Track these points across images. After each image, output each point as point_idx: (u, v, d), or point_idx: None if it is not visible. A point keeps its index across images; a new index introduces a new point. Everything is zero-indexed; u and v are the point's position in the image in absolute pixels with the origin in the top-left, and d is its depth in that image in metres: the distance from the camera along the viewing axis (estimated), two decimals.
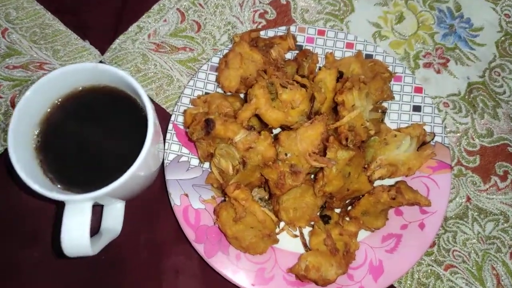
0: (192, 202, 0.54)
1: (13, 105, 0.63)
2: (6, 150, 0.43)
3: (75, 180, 0.47)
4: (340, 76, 0.54)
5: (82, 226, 0.42)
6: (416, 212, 0.54)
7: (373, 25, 0.69)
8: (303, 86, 0.50)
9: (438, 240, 0.58)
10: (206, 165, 0.56)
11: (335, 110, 0.52)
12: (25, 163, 0.44)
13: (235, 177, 0.51)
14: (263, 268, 0.52)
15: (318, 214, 0.53)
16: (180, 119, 0.58)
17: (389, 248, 0.53)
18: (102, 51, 0.66)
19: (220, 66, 0.58)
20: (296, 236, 0.54)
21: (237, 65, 0.56)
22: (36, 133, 0.48)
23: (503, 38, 0.69)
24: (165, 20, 0.68)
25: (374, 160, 0.53)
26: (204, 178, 0.55)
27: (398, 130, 0.55)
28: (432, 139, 0.56)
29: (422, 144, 0.54)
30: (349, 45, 0.62)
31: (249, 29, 0.68)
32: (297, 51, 0.61)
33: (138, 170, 0.44)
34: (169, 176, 0.55)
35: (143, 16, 0.68)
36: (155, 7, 0.69)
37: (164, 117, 0.61)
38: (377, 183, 0.54)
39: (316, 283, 0.50)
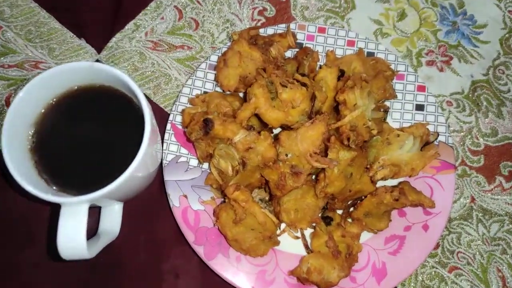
0: (191, 203, 0.54)
1: (8, 104, 0.62)
2: (0, 151, 0.42)
3: (71, 181, 0.46)
4: (341, 74, 0.53)
5: (78, 228, 0.42)
6: (419, 213, 0.54)
7: (374, 22, 0.68)
8: (304, 85, 0.49)
9: (442, 242, 0.57)
10: (205, 165, 0.56)
11: (336, 109, 0.51)
12: (20, 164, 0.43)
13: (235, 178, 0.50)
14: (264, 271, 0.52)
15: (319, 215, 0.53)
16: (179, 118, 0.57)
17: (392, 250, 0.53)
18: (99, 50, 0.66)
19: (218, 65, 0.57)
20: (297, 237, 0.54)
21: (236, 64, 0.55)
22: (31, 133, 0.47)
23: (507, 35, 0.68)
24: (162, 18, 0.67)
25: (377, 161, 0.52)
26: (203, 179, 0.54)
27: (401, 129, 0.54)
28: (436, 138, 0.55)
29: (426, 144, 0.54)
30: (350, 43, 0.61)
31: (248, 26, 0.67)
32: (297, 49, 0.61)
33: (136, 171, 0.43)
34: (167, 177, 0.54)
35: (140, 14, 0.67)
36: (152, 4, 0.68)
37: (162, 116, 0.60)
38: (379, 183, 0.53)
39: (318, 286, 0.50)
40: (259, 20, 0.68)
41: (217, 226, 0.51)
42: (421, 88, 0.59)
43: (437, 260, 0.56)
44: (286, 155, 0.48)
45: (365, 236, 0.53)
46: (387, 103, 0.58)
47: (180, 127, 0.57)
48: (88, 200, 0.42)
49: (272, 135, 0.51)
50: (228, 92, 0.57)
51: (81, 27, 0.66)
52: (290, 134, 0.48)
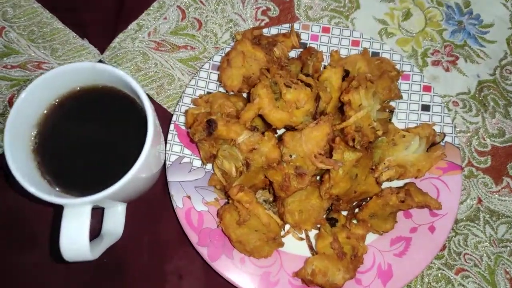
0: (194, 204, 0.53)
1: (11, 105, 0.62)
2: (2, 153, 0.41)
3: (74, 182, 0.46)
4: (346, 74, 0.53)
5: (81, 230, 0.41)
6: (426, 215, 0.53)
7: (379, 22, 0.68)
8: (308, 85, 0.49)
9: (448, 243, 0.57)
10: (209, 166, 0.55)
11: (341, 110, 0.51)
12: (22, 165, 0.43)
13: (239, 179, 0.50)
14: (268, 272, 0.51)
15: (324, 216, 0.52)
16: (182, 119, 0.57)
17: (398, 252, 0.52)
18: (101, 50, 0.66)
19: (222, 65, 0.57)
20: (302, 239, 0.53)
21: (240, 64, 0.55)
22: (34, 134, 0.47)
23: None
24: (165, 18, 0.67)
25: (382, 161, 0.51)
26: (206, 180, 0.54)
27: (407, 130, 0.53)
28: (442, 139, 0.55)
29: (432, 145, 0.53)
30: (355, 43, 0.61)
31: (251, 26, 0.67)
32: (301, 49, 0.60)
33: (139, 172, 0.43)
34: (171, 177, 0.54)
35: (143, 14, 0.67)
36: (155, 4, 0.68)
37: (165, 117, 0.60)
38: (385, 185, 0.53)
39: None
40: (262, 20, 0.67)
41: (220, 227, 0.51)
42: (427, 88, 0.58)
43: (443, 262, 0.56)
44: (290, 156, 0.47)
45: (371, 237, 0.53)
46: (393, 104, 0.58)
47: (183, 127, 0.57)
48: (91, 202, 0.41)
49: (276, 136, 0.51)
50: (232, 93, 0.57)
51: (84, 27, 0.66)
52: (294, 135, 0.48)
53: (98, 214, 0.53)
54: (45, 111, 0.48)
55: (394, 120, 0.57)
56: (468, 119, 0.63)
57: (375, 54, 0.60)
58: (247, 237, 0.49)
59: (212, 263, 0.51)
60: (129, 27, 0.66)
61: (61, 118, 0.47)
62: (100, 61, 0.65)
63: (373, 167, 0.52)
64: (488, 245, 0.57)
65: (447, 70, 0.65)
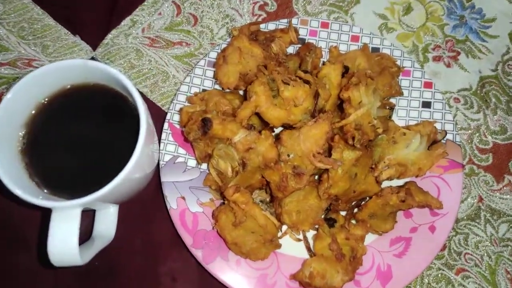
0: (189, 205, 0.53)
1: None
2: None
3: (63, 184, 0.45)
4: (345, 71, 0.52)
5: (70, 234, 0.40)
6: (426, 214, 0.53)
7: (379, 17, 0.67)
8: (306, 82, 0.48)
9: (449, 243, 0.56)
10: (204, 166, 0.55)
11: (340, 107, 0.50)
12: (9, 166, 0.42)
13: (235, 179, 0.49)
14: (265, 274, 0.51)
15: (322, 217, 0.52)
16: (176, 117, 0.56)
17: (397, 252, 0.52)
18: (94, 47, 0.64)
19: (218, 62, 0.56)
20: (299, 240, 0.53)
21: (236, 60, 0.54)
22: (21, 134, 0.46)
23: None
24: (159, 14, 0.66)
25: (382, 160, 0.51)
26: (201, 180, 0.53)
27: (407, 127, 0.53)
28: (444, 137, 0.54)
29: (433, 143, 0.52)
30: (355, 38, 0.60)
31: (248, 22, 0.66)
32: (299, 45, 0.59)
33: (131, 173, 0.42)
34: (164, 178, 0.53)
35: (137, 10, 0.66)
36: None
37: (159, 115, 0.59)
38: (385, 184, 0.52)
39: None
40: (260, 15, 0.66)
41: (216, 229, 0.50)
42: (428, 85, 0.58)
43: (443, 262, 0.55)
44: (288, 155, 0.47)
45: (370, 238, 0.52)
46: (393, 100, 0.57)
47: (178, 126, 0.56)
48: (80, 204, 0.40)
49: (273, 134, 0.50)
50: (228, 90, 0.56)
51: (76, 23, 0.65)
52: (292, 134, 0.47)
53: (89, 215, 0.52)
54: (34, 111, 0.46)
55: (394, 117, 0.56)
56: (469, 116, 0.62)
57: (375, 49, 0.59)
58: (243, 239, 0.49)
59: (207, 266, 0.50)
60: (122, 23, 0.65)
61: (51, 118, 0.46)
62: (93, 58, 0.64)
63: (373, 166, 0.51)
64: (489, 244, 0.56)
65: (448, 66, 0.64)
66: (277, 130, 0.54)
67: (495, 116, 0.62)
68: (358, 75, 0.48)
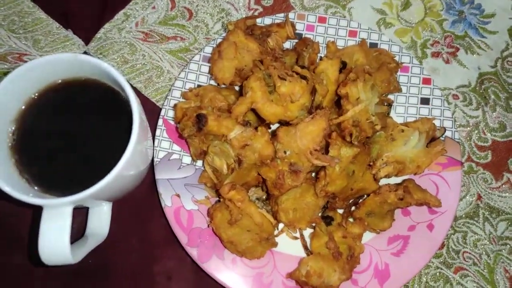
0: (184, 203, 0.52)
1: None
2: None
3: (55, 181, 0.44)
4: (343, 66, 0.52)
5: (61, 232, 0.40)
6: (424, 212, 0.52)
7: (377, 12, 0.66)
8: (303, 77, 0.47)
9: (447, 241, 0.56)
10: (199, 163, 0.54)
11: (338, 103, 0.50)
12: None
13: (230, 176, 0.49)
14: (261, 273, 0.50)
15: (319, 215, 0.51)
16: (171, 113, 0.55)
17: (395, 251, 0.51)
18: (86, 41, 0.63)
19: (213, 57, 0.55)
20: (296, 238, 0.53)
21: (232, 55, 0.53)
22: (11, 130, 0.45)
23: None
24: (153, 7, 0.65)
25: (380, 157, 0.51)
26: (197, 177, 0.53)
27: (406, 124, 0.52)
28: (443, 134, 0.53)
29: (432, 140, 0.52)
30: (352, 33, 0.59)
31: (244, 16, 0.65)
32: (296, 40, 0.59)
33: (124, 170, 0.41)
34: (159, 175, 0.52)
35: (130, 3, 0.65)
36: None
37: (153, 111, 0.58)
38: (383, 181, 0.52)
39: None
40: (256, 10, 0.65)
41: (211, 227, 0.50)
42: (427, 81, 0.57)
43: (442, 260, 0.55)
44: (285, 152, 0.46)
45: (367, 236, 0.52)
46: (391, 97, 0.57)
47: (172, 122, 0.55)
48: (72, 202, 0.40)
49: (269, 131, 0.50)
50: (223, 86, 0.56)
51: (68, 17, 0.64)
52: (289, 130, 0.46)
53: (82, 213, 0.51)
54: (24, 106, 0.45)
55: (392, 114, 0.56)
56: (468, 112, 0.61)
57: (373, 45, 0.59)
58: (239, 237, 0.48)
59: (202, 265, 0.50)
60: (115, 17, 0.64)
61: (41, 113, 0.45)
62: (85, 52, 0.63)
63: (371, 163, 0.51)
64: (488, 243, 0.56)
65: (447, 62, 0.64)
66: (273, 127, 0.53)
67: (494, 113, 0.61)
68: (356, 71, 0.48)
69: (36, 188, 0.43)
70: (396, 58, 0.57)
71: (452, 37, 0.65)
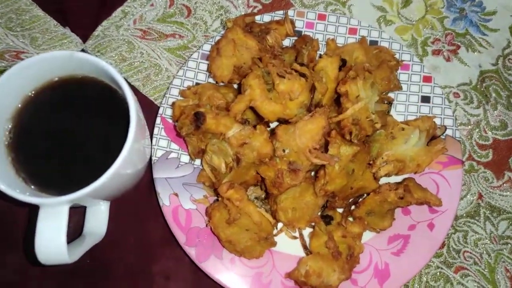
0: (182, 202, 0.52)
1: None
2: None
3: (51, 180, 0.44)
4: (342, 64, 0.52)
5: (58, 232, 0.39)
6: (425, 211, 0.52)
7: (377, 9, 0.65)
8: (303, 75, 0.47)
9: (447, 241, 0.56)
10: (197, 162, 0.54)
11: (337, 101, 0.49)
12: None
13: (229, 175, 0.48)
14: (260, 273, 0.50)
15: (319, 214, 0.51)
16: (169, 112, 0.55)
17: (395, 250, 0.51)
18: (84, 39, 0.63)
19: (211, 54, 0.55)
20: (295, 238, 0.52)
21: (230, 53, 0.53)
22: (8, 128, 0.44)
23: None
24: (152, 5, 0.64)
25: (380, 156, 0.50)
26: (195, 176, 0.52)
27: (406, 123, 0.52)
28: (443, 132, 0.53)
29: (432, 138, 0.51)
30: (352, 31, 0.59)
31: (243, 13, 0.64)
32: (295, 38, 0.58)
33: (121, 169, 0.41)
34: (157, 174, 0.52)
35: (128, 0, 0.64)
36: None
37: (151, 109, 0.58)
38: (383, 180, 0.52)
39: None
40: (255, 7, 0.65)
41: (209, 226, 0.50)
42: (427, 79, 0.57)
43: (442, 260, 0.55)
44: (284, 150, 0.46)
45: (367, 235, 0.52)
46: (391, 95, 0.56)
47: (170, 121, 0.55)
48: (68, 201, 0.39)
49: (268, 129, 0.49)
50: (222, 84, 0.55)
51: (66, 14, 0.64)
52: (287, 129, 0.46)
53: (80, 212, 0.51)
54: (20, 104, 0.45)
55: (392, 112, 0.56)
56: (469, 111, 0.61)
57: (374, 42, 0.58)
58: (238, 237, 0.48)
59: (201, 264, 0.49)
60: (113, 14, 0.64)
61: (38, 111, 0.45)
62: (83, 50, 0.62)
63: (371, 162, 0.50)
64: (488, 242, 0.55)
65: (448, 59, 0.63)
66: (272, 125, 0.53)
67: (495, 112, 0.61)
68: (355, 68, 0.47)
69: (32, 187, 0.43)
70: (397, 56, 0.57)
71: (453, 35, 0.64)
